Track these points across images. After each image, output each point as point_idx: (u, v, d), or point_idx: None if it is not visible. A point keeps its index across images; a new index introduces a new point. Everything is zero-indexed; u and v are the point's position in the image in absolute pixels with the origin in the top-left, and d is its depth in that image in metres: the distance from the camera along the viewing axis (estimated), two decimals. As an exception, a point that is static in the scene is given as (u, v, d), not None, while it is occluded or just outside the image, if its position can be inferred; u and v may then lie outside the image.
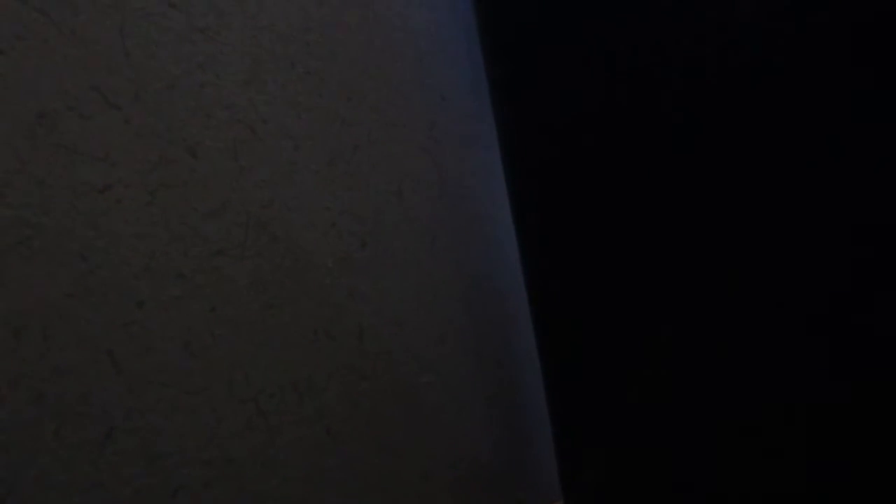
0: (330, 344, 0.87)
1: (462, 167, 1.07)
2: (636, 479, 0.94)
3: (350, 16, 0.95)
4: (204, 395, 0.75)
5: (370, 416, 0.89)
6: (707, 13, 0.73)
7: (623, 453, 0.95)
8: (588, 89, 0.91)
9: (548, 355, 1.08)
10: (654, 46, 0.80)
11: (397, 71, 1.00)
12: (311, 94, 0.89)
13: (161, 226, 0.74)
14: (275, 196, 0.84)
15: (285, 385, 0.82)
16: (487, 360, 1.06)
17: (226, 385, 0.77)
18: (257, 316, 0.81)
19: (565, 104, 0.96)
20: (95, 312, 0.69)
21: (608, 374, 0.96)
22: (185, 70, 0.78)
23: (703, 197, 0.77)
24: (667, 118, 0.80)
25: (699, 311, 0.80)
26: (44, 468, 0.65)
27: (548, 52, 0.97)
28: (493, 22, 1.08)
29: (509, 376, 1.09)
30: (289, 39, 0.88)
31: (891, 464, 0.64)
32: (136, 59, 0.75)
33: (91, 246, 0.69)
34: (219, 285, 0.78)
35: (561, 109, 0.97)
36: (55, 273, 0.67)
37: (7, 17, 0.66)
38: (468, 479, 0.99)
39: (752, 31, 0.69)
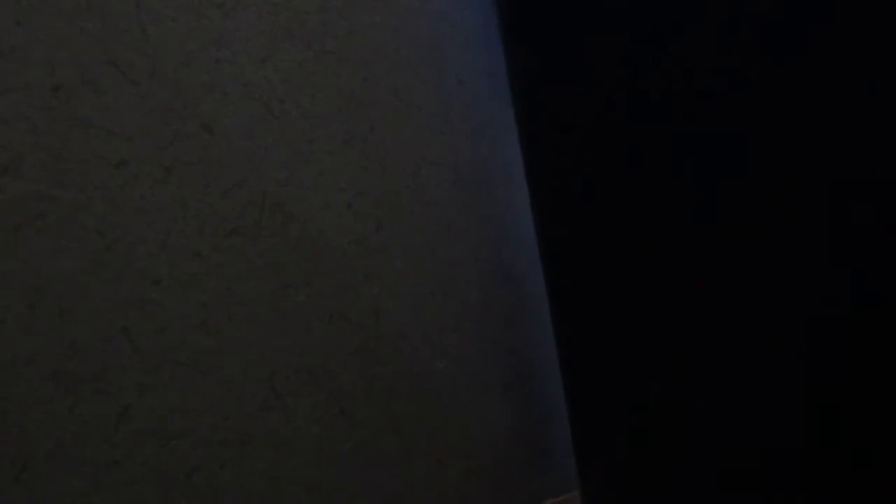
0: (345, 326, 0.85)
1: (478, 151, 1.06)
2: (653, 469, 0.92)
3: (367, -5, 0.94)
4: (219, 374, 0.74)
5: (385, 399, 0.88)
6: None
7: (640, 443, 0.93)
8: (610, 74, 0.89)
9: (565, 344, 1.07)
10: (682, 25, 0.78)
11: (414, 53, 0.99)
12: (328, 74, 0.88)
13: (177, 203, 0.73)
14: (290, 175, 0.83)
15: (300, 367, 0.81)
16: (504, 348, 1.05)
17: (241, 365, 0.76)
18: (273, 296, 0.80)
19: (586, 89, 0.94)
20: (111, 289, 0.68)
21: (626, 364, 0.94)
22: (201, 46, 0.77)
23: (728, 188, 0.75)
24: (694, 103, 0.78)
25: (724, 302, 0.79)
26: (58, 445, 0.64)
27: (568, 36, 0.96)
28: (511, 4, 1.07)
29: (526, 364, 1.07)
30: (305, 18, 0.87)
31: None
32: (152, 34, 0.74)
33: (107, 221, 0.69)
34: (234, 265, 0.77)
35: (581, 94, 0.95)
36: (71, 248, 0.66)
37: (23, -13, 0.65)
38: (483, 466, 0.98)
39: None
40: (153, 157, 0.72)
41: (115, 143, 0.70)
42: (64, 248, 0.66)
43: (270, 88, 0.82)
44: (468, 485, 0.96)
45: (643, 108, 0.85)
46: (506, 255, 1.07)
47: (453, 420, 0.96)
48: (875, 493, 0.66)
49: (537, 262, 1.12)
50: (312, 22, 0.87)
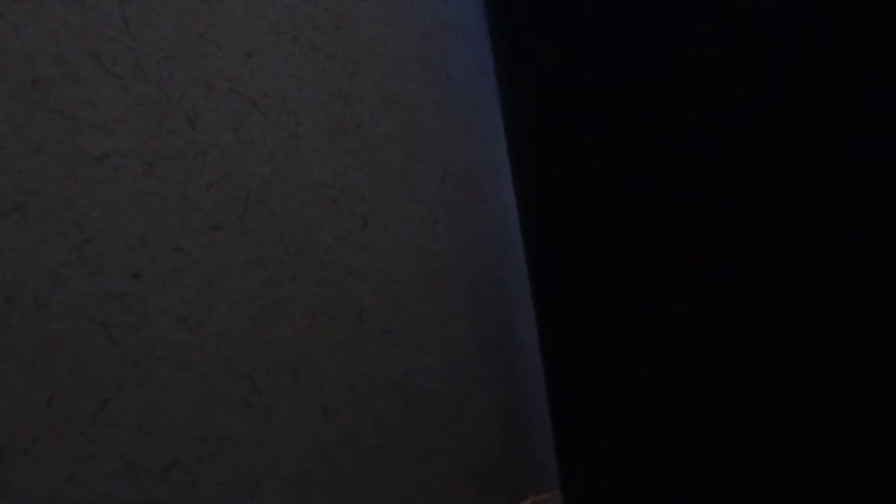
0: (329, 322, 0.85)
1: (467, 149, 1.06)
2: (633, 470, 0.92)
3: (355, -10, 0.94)
4: (199, 369, 0.74)
5: (368, 396, 0.88)
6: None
7: (621, 444, 0.94)
8: (598, 71, 0.89)
9: (549, 344, 1.07)
10: (668, 21, 0.78)
11: (402, 48, 0.98)
12: (315, 69, 0.88)
13: (159, 197, 0.73)
14: (275, 171, 0.83)
15: (282, 362, 0.81)
16: (488, 347, 1.05)
17: (222, 360, 0.76)
18: (256, 292, 0.79)
19: (574, 86, 0.94)
20: (90, 283, 0.68)
21: (609, 365, 0.94)
22: (185, 40, 0.76)
23: (719, 188, 0.75)
24: (677, 103, 0.78)
25: (705, 305, 0.79)
26: (35, 439, 0.64)
27: (556, 32, 0.96)
28: (499, 1, 1.06)
29: (510, 363, 1.07)
30: (292, 12, 0.86)
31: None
32: (135, 26, 0.73)
33: (87, 215, 0.68)
34: (217, 260, 0.77)
35: (569, 91, 0.95)
36: (49, 241, 0.66)
37: (3, -23, 0.65)
38: (465, 464, 0.98)
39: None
40: (135, 151, 0.72)
41: (96, 137, 0.69)
42: (43, 242, 0.66)
43: (256, 83, 0.82)
44: (451, 482, 0.96)
45: (631, 106, 0.85)
46: (493, 253, 1.07)
47: (437, 417, 0.96)
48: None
49: (524, 260, 1.12)
50: (299, 16, 0.87)
